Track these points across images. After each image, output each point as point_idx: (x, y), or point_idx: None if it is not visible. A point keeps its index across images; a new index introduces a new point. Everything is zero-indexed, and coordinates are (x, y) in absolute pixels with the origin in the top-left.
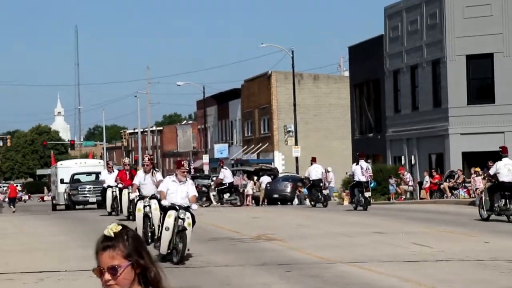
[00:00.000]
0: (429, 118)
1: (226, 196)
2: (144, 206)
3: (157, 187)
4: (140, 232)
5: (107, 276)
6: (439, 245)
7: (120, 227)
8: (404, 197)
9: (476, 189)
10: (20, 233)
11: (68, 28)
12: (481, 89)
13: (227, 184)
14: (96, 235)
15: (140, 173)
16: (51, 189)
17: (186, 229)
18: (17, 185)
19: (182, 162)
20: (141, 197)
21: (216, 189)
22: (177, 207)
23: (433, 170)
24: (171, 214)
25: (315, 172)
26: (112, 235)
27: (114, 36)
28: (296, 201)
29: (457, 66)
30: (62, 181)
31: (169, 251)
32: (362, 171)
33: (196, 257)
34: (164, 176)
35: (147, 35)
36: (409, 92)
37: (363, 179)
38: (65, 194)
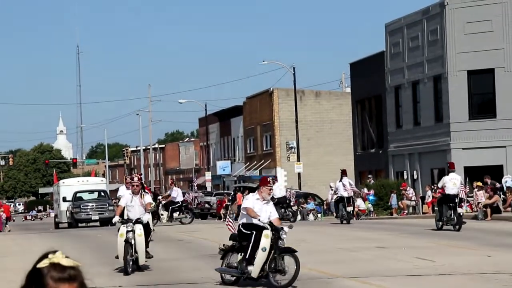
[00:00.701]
0: (431, 133)
1: (176, 214)
2: (127, 232)
3: (145, 210)
4: (120, 259)
5: None
6: (442, 259)
7: (63, 253)
8: (406, 211)
9: (478, 203)
10: (23, 251)
11: (69, 47)
12: (482, 104)
13: (179, 203)
14: (99, 253)
15: (127, 194)
16: (54, 207)
17: (296, 251)
18: (19, 204)
19: (268, 179)
20: (125, 221)
21: (170, 207)
22: (272, 227)
23: (435, 185)
24: (268, 234)
25: (278, 190)
26: (72, 264)
27: (115, 54)
28: (299, 216)
29: (458, 82)
30: (64, 199)
31: (260, 274)
32: (344, 187)
33: (195, 272)
34: (156, 197)
35: (149, 53)
36: (410, 108)
37: (345, 194)
38: (67, 212)
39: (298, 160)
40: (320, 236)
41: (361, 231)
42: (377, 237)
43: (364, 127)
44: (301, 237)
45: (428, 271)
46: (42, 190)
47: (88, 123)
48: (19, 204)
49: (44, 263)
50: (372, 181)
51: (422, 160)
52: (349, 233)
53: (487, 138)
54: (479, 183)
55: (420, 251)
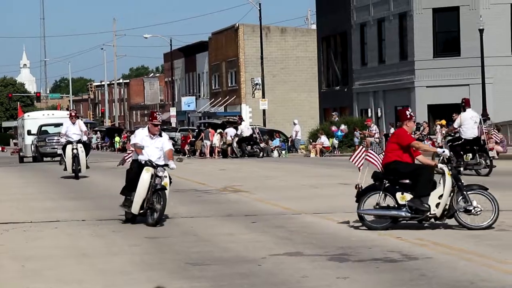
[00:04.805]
0: (396, 71)
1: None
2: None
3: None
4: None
5: None
6: None
7: None
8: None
9: (442, 140)
10: None
11: None
12: (447, 42)
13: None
14: (64, 187)
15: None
16: (18, 141)
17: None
18: None
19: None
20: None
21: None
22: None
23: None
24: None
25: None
26: None
27: None
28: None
29: (423, 19)
30: (29, 133)
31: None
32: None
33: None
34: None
35: None
36: (376, 45)
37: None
38: (32, 146)
39: (263, 96)
40: (283, 173)
41: (325, 168)
42: (340, 174)
43: (329, 64)
44: (265, 173)
45: None
46: (5, 124)
47: (52, 57)
48: None
49: None
50: (337, 118)
51: (386, 97)
52: (313, 170)
53: (451, 76)
54: (443, 121)
55: None
